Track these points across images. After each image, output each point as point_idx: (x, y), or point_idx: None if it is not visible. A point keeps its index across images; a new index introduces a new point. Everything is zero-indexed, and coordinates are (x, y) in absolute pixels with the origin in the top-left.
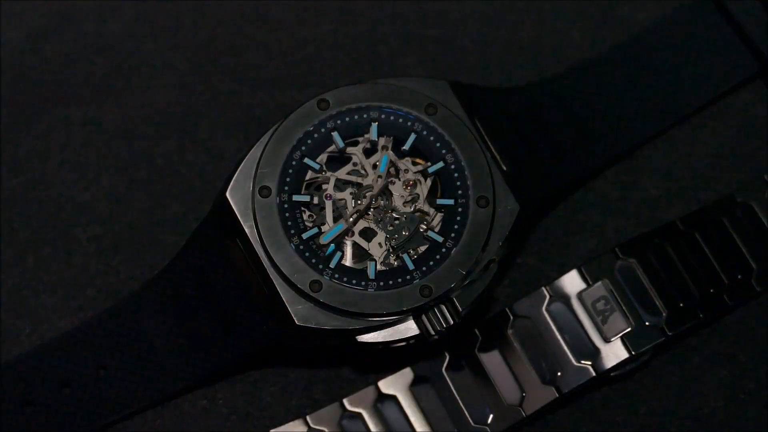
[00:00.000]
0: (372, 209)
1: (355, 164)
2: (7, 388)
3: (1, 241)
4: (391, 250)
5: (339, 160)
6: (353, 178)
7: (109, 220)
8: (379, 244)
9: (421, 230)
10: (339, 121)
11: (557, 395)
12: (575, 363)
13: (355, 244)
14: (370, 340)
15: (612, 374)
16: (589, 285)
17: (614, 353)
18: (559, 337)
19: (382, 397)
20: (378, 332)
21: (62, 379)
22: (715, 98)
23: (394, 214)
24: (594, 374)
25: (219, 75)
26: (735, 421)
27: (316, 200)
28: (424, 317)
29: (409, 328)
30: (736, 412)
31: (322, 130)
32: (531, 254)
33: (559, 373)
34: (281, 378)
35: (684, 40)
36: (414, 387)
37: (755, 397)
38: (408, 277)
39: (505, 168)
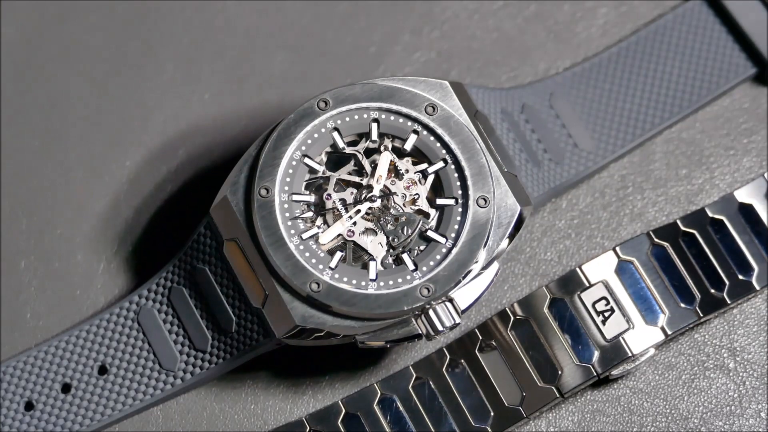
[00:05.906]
0: (372, 209)
1: (355, 164)
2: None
3: (1, 242)
4: (391, 250)
5: (339, 159)
6: (353, 178)
7: (110, 221)
8: (380, 244)
9: (421, 230)
10: (339, 121)
11: (557, 395)
12: (575, 363)
13: (355, 244)
14: (369, 340)
15: (612, 374)
16: (589, 285)
17: (614, 353)
18: (559, 337)
19: (382, 398)
20: (378, 332)
21: (63, 380)
22: (715, 97)
23: (394, 214)
24: (594, 374)
25: (222, 74)
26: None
27: (316, 200)
28: (424, 317)
29: (409, 328)
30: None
31: (322, 129)
32: (531, 254)
33: (559, 373)
34: (281, 378)
35: (683, 40)
36: (414, 387)
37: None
38: (408, 277)
39: (505, 168)
